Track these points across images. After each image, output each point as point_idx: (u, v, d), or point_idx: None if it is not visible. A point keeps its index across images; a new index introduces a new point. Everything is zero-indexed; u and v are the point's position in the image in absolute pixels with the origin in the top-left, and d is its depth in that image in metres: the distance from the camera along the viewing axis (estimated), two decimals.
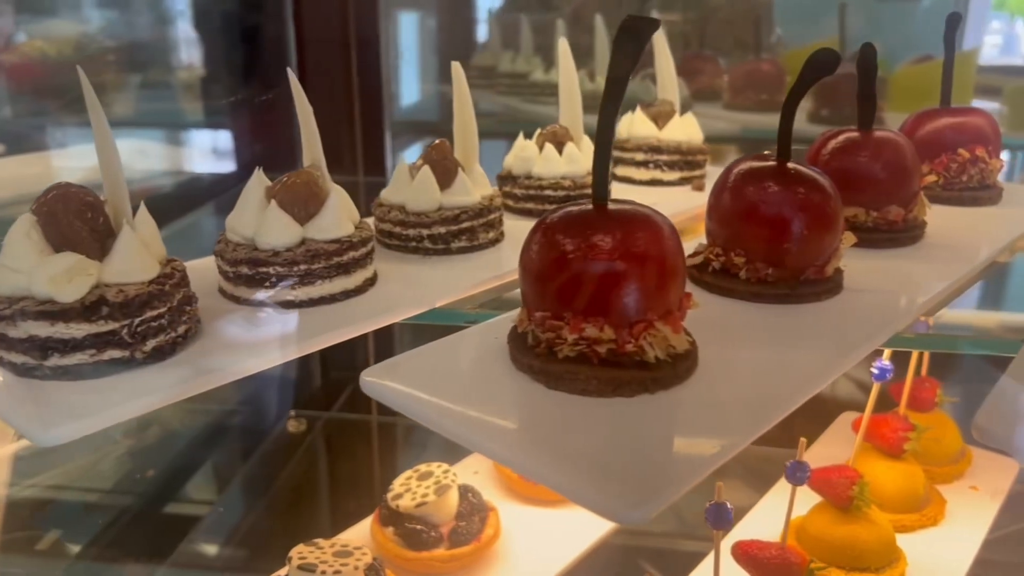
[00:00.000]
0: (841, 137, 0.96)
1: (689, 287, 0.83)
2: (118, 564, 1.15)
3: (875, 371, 1.03)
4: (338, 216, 0.78)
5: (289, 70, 0.78)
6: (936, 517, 1.17)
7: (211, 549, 1.16)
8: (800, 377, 0.65)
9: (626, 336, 0.61)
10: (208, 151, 1.63)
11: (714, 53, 2.14)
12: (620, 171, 1.26)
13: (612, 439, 0.56)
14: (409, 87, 2.35)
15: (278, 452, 1.40)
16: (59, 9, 1.34)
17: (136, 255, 0.65)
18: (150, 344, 0.65)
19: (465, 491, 1.11)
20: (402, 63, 2.40)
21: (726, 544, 0.93)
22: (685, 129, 1.24)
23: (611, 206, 0.64)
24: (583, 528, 1.14)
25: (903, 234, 0.95)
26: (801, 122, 1.91)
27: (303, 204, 0.78)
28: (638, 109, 1.27)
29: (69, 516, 1.21)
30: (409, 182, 0.92)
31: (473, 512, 1.09)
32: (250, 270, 0.76)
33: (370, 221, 0.95)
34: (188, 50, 1.57)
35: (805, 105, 1.94)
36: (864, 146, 0.94)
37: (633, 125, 1.26)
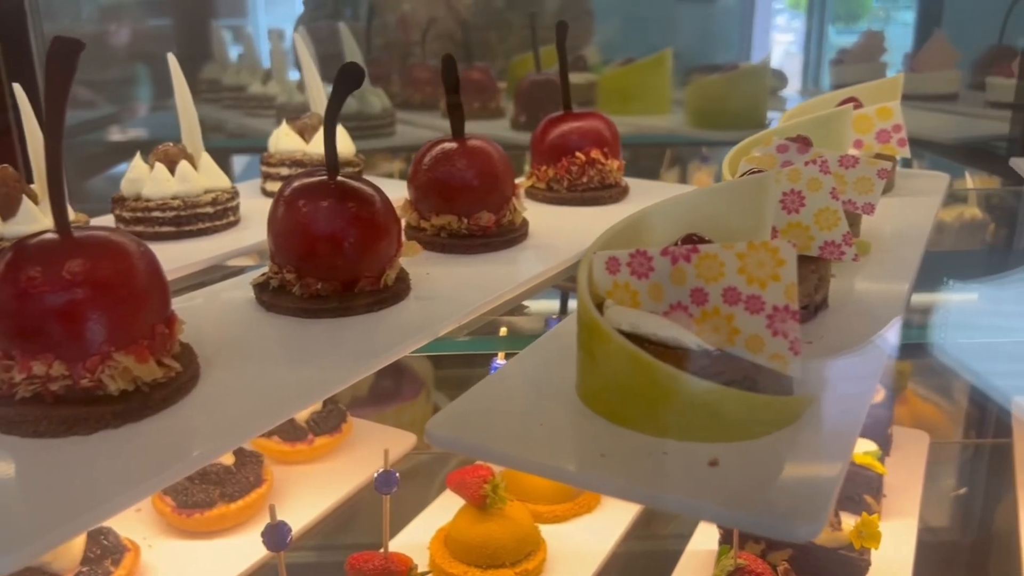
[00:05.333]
0: (436, 148, 0.98)
1: (251, 308, 0.82)
2: None
3: (493, 370, 1.06)
4: None
5: None
6: (590, 505, 1.22)
7: None
8: (298, 392, 0.64)
9: (81, 371, 0.58)
10: None
11: (437, 63, 2.16)
12: (268, 186, 1.23)
13: (30, 484, 0.53)
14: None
15: None
16: None
17: None
18: None
19: (97, 534, 1.05)
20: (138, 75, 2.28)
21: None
22: None
23: (77, 233, 0.61)
24: (235, 556, 1.10)
25: (497, 239, 0.97)
26: (504, 129, 1.97)
27: None
28: (284, 123, 1.25)
29: None
30: None
31: (104, 555, 1.03)
32: None
33: None
34: None
35: (508, 111, 2.00)
36: (454, 156, 0.96)
37: (279, 139, 1.23)
